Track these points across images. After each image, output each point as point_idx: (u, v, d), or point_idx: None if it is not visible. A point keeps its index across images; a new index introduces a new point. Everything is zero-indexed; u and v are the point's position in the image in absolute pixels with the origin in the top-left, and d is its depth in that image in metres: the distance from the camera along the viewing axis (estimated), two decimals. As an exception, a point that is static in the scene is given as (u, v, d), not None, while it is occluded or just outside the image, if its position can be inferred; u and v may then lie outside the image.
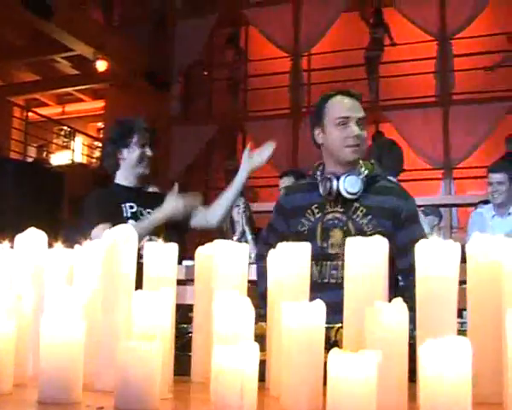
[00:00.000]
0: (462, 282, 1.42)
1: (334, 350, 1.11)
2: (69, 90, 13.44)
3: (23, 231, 1.77)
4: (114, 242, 1.50)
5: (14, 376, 1.39)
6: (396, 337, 1.21)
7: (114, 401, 1.20)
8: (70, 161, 12.99)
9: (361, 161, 2.69)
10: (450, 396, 1.06)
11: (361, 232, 2.51)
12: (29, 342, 1.52)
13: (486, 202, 6.46)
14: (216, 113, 13.48)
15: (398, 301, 1.24)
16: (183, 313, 2.26)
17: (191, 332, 1.93)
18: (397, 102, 11.89)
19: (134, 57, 12.22)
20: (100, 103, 13.11)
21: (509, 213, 5.15)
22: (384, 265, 1.40)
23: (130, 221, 3.30)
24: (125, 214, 3.35)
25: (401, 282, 2.64)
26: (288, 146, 11.85)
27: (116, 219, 3.08)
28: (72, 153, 13.33)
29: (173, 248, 1.58)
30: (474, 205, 7.39)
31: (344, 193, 2.59)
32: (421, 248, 1.35)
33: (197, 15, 12.97)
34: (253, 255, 3.06)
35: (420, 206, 8.40)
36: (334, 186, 2.60)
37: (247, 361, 1.14)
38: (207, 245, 1.69)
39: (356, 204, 2.62)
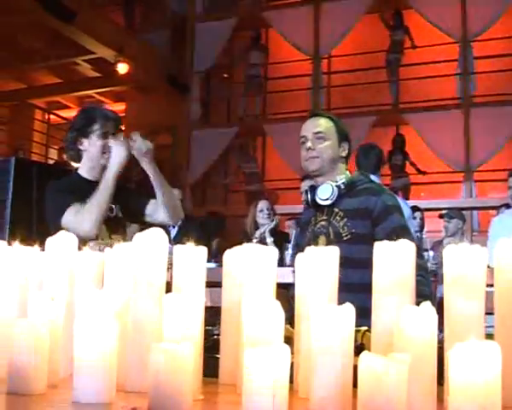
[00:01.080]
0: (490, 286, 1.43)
1: (366, 354, 1.12)
2: (90, 92, 13.49)
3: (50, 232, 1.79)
4: (145, 246, 1.52)
5: (47, 377, 1.42)
6: (425, 341, 1.23)
7: (148, 402, 1.21)
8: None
9: (347, 172, 2.92)
10: (478, 401, 1.07)
11: (338, 235, 2.77)
12: (61, 344, 1.55)
13: (508, 205, 6.44)
14: (235, 115, 13.51)
15: (427, 305, 1.26)
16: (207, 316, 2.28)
17: (216, 334, 1.95)
18: (417, 105, 11.86)
19: (154, 60, 12.27)
20: (121, 106, 13.16)
21: None
22: (412, 268, 1.41)
23: None
24: None
25: None
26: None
27: None
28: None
29: (203, 251, 1.60)
30: (496, 208, 7.38)
31: (318, 200, 2.83)
32: (449, 254, 1.37)
33: (217, 19, 13.04)
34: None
35: (443, 208, 8.44)
36: (309, 197, 2.89)
37: (279, 364, 1.15)
38: (235, 248, 1.71)
39: (335, 209, 2.83)
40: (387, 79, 12.22)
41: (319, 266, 1.47)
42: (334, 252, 1.50)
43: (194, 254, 1.59)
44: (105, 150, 3.22)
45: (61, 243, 1.75)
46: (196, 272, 1.58)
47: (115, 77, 11.70)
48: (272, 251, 1.57)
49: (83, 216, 3.06)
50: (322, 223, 2.86)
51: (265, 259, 1.55)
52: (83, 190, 3.19)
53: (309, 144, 2.87)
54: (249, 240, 6.80)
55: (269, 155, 13.36)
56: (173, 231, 6.28)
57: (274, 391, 1.14)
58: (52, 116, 13.56)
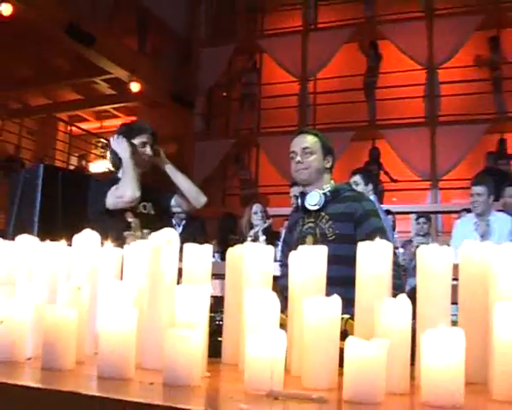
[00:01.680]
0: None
1: (352, 338, 1.14)
2: (106, 107, 13.50)
3: (72, 229, 1.80)
4: (158, 244, 1.53)
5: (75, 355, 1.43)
6: (400, 329, 1.24)
7: (163, 378, 1.23)
8: (107, 169, 13.08)
9: (331, 181, 2.96)
10: (446, 378, 1.10)
11: (324, 236, 2.79)
12: (87, 326, 1.56)
13: (469, 210, 6.46)
14: (233, 129, 13.52)
15: (403, 297, 1.27)
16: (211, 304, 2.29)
17: (218, 320, 1.96)
18: (391, 122, 11.89)
19: (163, 80, 12.28)
20: (132, 120, 13.17)
21: (488, 226, 5.08)
22: (389, 265, 1.43)
23: (128, 213, 3.26)
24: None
25: None
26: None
27: (115, 210, 3.23)
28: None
29: (208, 249, 1.61)
30: (457, 212, 7.40)
31: (307, 206, 2.88)
32: (421, 253, 1.39)
33: (218, 44, 13.06)
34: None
35: (412, 212, 8.46)
36: (299, 202, 2.94)
37: (276, 346, 1.17)
38: (237, 246, 1.73)
39: (322, 213, 2.86)
40: (365, 100, 12.24)
41: (310, 262, 1.49)
42: (322, 251, 1.51)
43: (201, 251, 1.61)
44: (145, 156, 3.34)
45: (86, 239, 1.76)
46: (203, 266, 1.60)
47: (128, 94, 11.71)
48: (269, 249, 1.59)
49: (123, 187, 3.24)
50: (310, 224, 2.88)
51: (264, 255, 1.57)
52: None
53: (298, 158, 2.91)
54: (244, 238, 6.82)
55: (262, 163, 13.37)
56: (179, 229, 6.28)
57: (272, 369, 1.16)
58: (74, 128, 13.53)
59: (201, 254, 1.61)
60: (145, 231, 3.29)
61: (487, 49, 11.47)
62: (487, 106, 11.34)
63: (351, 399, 1.12)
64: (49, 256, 1.76)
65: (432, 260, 1.37)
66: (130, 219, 3.26)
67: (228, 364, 1.62)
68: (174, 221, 6.32)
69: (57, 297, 1.71)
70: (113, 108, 13.54)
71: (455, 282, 1.44)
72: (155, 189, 3.53)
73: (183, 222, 6.31)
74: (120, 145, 3.31)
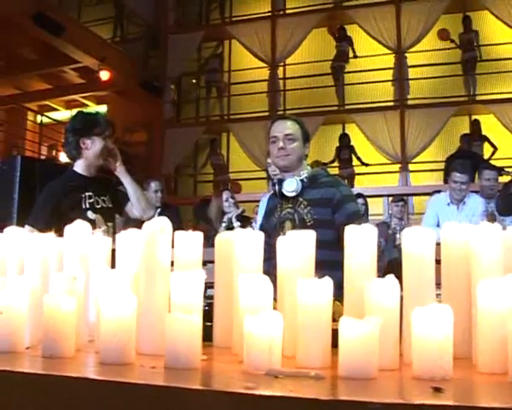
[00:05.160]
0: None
1: (346, 317, 1.20)
2: (76, 96, 13.37)
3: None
4: (152, 232, 1.57)
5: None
6: (390, 306, 1.31)
7: (165, 361, 1.27)
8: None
9: (308, 167, 3.02)
10: (436, 352, 1.16)
11: (303, 221, 2.85)
12: (82, 315, 1.59)
13: (440, 191, 6.58)
14: (203, 116, 13.52)
15: (391, 277, 1.34)
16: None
17: (205, 305, 2.00)
18: (360, 106, 12.02)
19: (132, 68, 12.22)
20: (102, 108, 13.07)
21: (464, 203, 5.21)
22: (374, 248, 1.49)
23: (89, 212, 3.22)
24: (83, 206, 3.23)
25: None
26: (266, 145, 11.91)
27: (77, 209, 3.16)
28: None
29: (199, 236, 1.66)
30: (429, 194, 7.54)
31: (285, 192, 2.91)
32: (406, 235, 1.45)
33: (187, 31, 13.03)
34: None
35: (383, 195, 8.62)
36: (277, 189, 2.96)
37: (274, 326, 1.23)
38: (225, 233, 1.78)
39: (300, 199, 2.91)
40: (334, 84, 12.33)
41: (300, 246, 1.54)
42: (311, 235, 1.56)
43: (192, 238, 1.65)
44: (103, 151, 3.27)
45: (77, 230, 1.79)
46: (195, 253, 1.65)
47: (98, 83, 11.63)
48: (259, 235, 1.64)
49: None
50: (288, 210, 2.94)
51: (254, 241, 1.61)
52: (78, 185, 3.24)
53: (281, 144, 2.93)
54: (215, 226, 6.88)
55: (232, 149, 13.40)
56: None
57: (271, 349, 1.22)
58: (44, 118, 13.38)
59: (192, 240, 1.65)
60: (109, 224, 3.29)
61: (455, 32, 11.61)
62: (456, 89, 11.53)
63: (346, 375, 1.18)
64: (40, 246, 1.79)
65: (417, 242, 1.43)
66: (92, 217, 3.22)
67: (220, 347, 1.67)
68: (149, 209, 6.34)
69: (49, 287, 1.75)
70: (83, 97, 13.42)
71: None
72: (110, 181, 3.48)
73: (158, 210, 6.32)
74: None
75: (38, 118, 13.86)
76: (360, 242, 1.47)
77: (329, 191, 2.87)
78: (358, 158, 11.48)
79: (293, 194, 2.90)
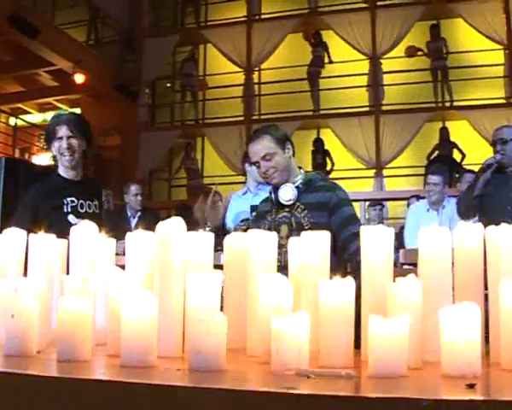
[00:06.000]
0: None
1: (373, 316, 1.20)
2: (49, 99, 13.20)
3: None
4: (167, 233, 1.56)
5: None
6: (414, 305, 1.31)
7: (190, 364, 1.25)
8: (51, 162, 12.77)
9: (302, 171, 3.01)
10: (466, 350, 1.17)
11: (300, 225, 2.83)
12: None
13: (418, 196, 6.66)
14: (178, 120, 13.46)
15: (412, 277, 1.34)
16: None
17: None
18: (335, 112, 12.07)
19: (107, 71, 12.12)
20: (76, 111, 12.93)
21: (444, 207, 5.31)
22: (391, 249, 1.50)
23: (70, 216, 3.18)
24: (66, 209, 3.19)
25: (346, 251, 2.76)
26: (242, 149, 11.93)
27: (56, 212, 3.13)
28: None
29: (210, 237, 1.65)
30: (406, 199, 7.62)
31: (282, 201, 2.91)
32: (423, 235, 1.46)
33: (162, 34, 12.98)
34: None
35: (358, 200, 8.66)
36: (273, 197, 2.97)
37: (302, 327, 1.22)
38: (235, 234, 1.76)
39: (297, 203, 2.91)
40: (309, 89, 12.38)
41: (317, 248, 1.54)
42: (326, 236, 1.57)
43: (203, 240, 1.64)
44: (62, 151, 3.19)
45: (84, 231, 1.77)
46: (206, 255, 1.64)
47: (72, 86, 11.51)
48: (273, 236, 1.63)
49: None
50: (285, 214, 2.92)
51: (268, 242, 1.61)
52: (60, 188, 3.23)
53: (263, 169, 2.93)
54: (202, 228, 6.84)
55: (207, 154, 13.36)
56: (134, 221, 6.25)
57: (299, 348, 1.21)
58: (16, 120, 13.20)
59: (203, 242, 1.64)
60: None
61: (428, 38, 11.77)
62: (429, 95, 11.69)
63: (376, 374, 1.18)
64: (44, 248, 1.76)
65: (434, 245, 1.44)
66: (73, 221, 3.16)
67: (232, 349, 1.65)
68: (129, 213, 6.29)
69: (54, 289, 1.73)
70: (56, 100, 13.26)
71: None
72: (101, 186, 3.47)
73: (138, 213, 6.29)
74: None
75: (11, 120, 13.65)
76: (377, 243, 1.47)
77: (326, 195, 2.87)
78: (332, 162, 11.57)
79: (291, 202, 2.89)
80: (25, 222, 2.96)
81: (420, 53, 11.73)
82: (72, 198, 3.21)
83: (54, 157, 3.29)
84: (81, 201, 3.24)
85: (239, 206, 4.47)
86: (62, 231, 1.84)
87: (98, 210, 3.34)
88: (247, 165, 4.71)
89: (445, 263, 1.45)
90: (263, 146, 2.93)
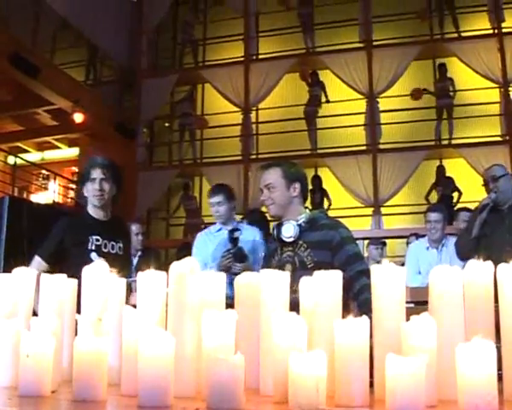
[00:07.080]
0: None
1: (391, 355, 1.22)
2: (48, 138, 13.29)
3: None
4: (181, 272, 1.57)
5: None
6: (429, 345, 1.33)
7: (208, 403, 1.26)
8: (51, 201, 12.80)
9: (306, 210, 3.05)
10: (483, 387, 1.18)
11: (303, 264, 2.87)
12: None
13: (417, 234, 6.69)
14: (176, 159, 13.53)
15: (426, 316, 1.36)
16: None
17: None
18: (333, 151, 12.17)
19: (106, 110, 12.23)
20: (75, 150, 13.03)
21: (443, 245, 5.32)
22: (403, 289, 1.51)
23: (93, 254, 3.32)
24: (89, 247, 3.35)
25: (352, 290, 2.75)
26: (240, 188, 11.99)
27: (80, 247, 3.30)
28: (54, 193, 13.23)
29: (222, 276, 1.67)
30: (407, 237, 7.64)
31: (283, 238, 2.94)
32: (435, 276, 1.49)
33: (161, 75, 13.14)
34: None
35: (363, 239, 8.68)
36: (275, 234, 2.99)
37: (320, 366, 1.24)
38: (245, 275, 1.78)
39: (300, 242, 2.93)
40: (307, 129, 12.50)
41: (329, 288, 1.56)
42: (338, 275, 1.59)
43: (216, 280, 1.66)
44: (95, 193, 3.40)
45: (96, 271, 1.79)
46: (219, 294, 1.65)
47: (71, 125, 11.60)
48: (286, 276, 1.65)
49: None
50: (289, 253, 2.94)
51: (281, 282, 1.63)
52: (88, 225, 3.43)
53: (263, 197, 3.03)
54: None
55: (205, 193, 13.38)
56: (135, 260, 6.24)
57: (317, 386, 1.22)
58: (14, 159, 13.26)
59: (216, 281, 1.66)
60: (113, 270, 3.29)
61: (426, 78, 11.93)
62: (427, 133, 11.80)
63: (394, 413, 1.19)
64: (56, 288, 1.77)
65: (447, 284, 1.46)
66: (94, 259, 3.21)
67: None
68: (129, 252, 6.30)
69: (64, 329, 1.73)
70: (55, 139, 13.35)
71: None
72: (127, 229, 3.66)
73: (139, 253, 6.29)
74: None
75: (10, 159, 13.69)
76: (389, 282, 1.49)
77: (329, 234, 2.89)
78: (330, 202, 11.63)
79: (291, 239, 2.92)
80: (49, 249, 3.33)
81: (425, 93, 11.84)
82: (98, 237, 3.39)
83: (84, 198, 3.49)
84: (105, 241, 3.41)
85: (212, 243, 4.69)
86: (83, 266, 1.87)
87: (122, 252, 3.51)
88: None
89: (458, 301, 1.47)
90: (269, 176, 3.02)
